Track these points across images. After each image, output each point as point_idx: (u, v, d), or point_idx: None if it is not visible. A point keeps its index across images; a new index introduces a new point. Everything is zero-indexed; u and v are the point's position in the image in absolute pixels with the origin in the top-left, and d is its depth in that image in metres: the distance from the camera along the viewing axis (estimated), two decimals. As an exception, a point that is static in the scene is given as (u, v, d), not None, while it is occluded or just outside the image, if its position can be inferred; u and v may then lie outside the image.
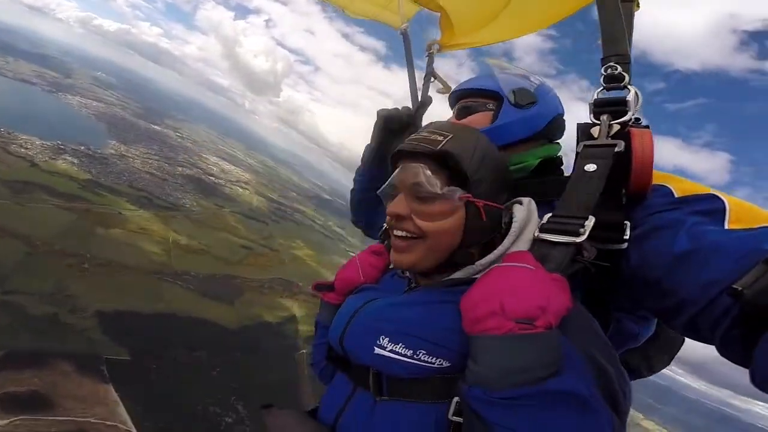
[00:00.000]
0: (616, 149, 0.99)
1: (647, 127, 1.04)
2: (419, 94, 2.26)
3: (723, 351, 0.75)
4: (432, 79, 2.28)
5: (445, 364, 0.85)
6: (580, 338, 0.77)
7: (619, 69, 1.10)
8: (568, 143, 1.36)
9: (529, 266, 0.80)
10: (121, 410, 35.02)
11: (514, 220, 1.01)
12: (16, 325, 36.81)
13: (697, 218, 0.88)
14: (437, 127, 1.07)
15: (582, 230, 0.89)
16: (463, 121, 1.45)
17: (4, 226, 46.56)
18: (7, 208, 50.65)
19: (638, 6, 1.39)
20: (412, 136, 1.07)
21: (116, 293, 47.31)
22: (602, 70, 1.12)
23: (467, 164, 0.98)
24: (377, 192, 1.13)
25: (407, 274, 1.15)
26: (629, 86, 1.09)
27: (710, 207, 0.89)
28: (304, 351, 56.99)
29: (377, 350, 0.92)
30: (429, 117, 2.05)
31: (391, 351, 0.90)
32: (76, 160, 79.62)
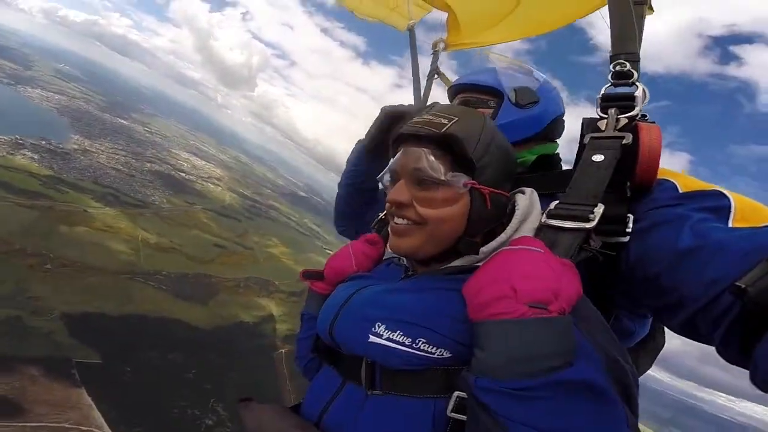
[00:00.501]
0: (624, 141, 0.99)
1: (654, 122, 1.05)
2: (422, 90, 2.30)
3: (722, 351, 0.75)
4: (436, 76, 2.32)
5: (446, 354, 0.81)
6: (589, 328, 0.74)
7: (628, 66, 1.11)
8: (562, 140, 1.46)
9: (537, 249, 0.77)
10: (96, 414, 34.45)
11: (516, 207, 1.00)
12: (-26, 329, 35.21)
13: (702, 215, 0.86)
14: (442, 109, 1.04)
15: (592, 216, 0.88)
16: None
17: (-43, 225, 44.17)
18: (-40, 205, 48.47)
19: (652, 10, 1.43)
20: (415, 118, 1.04)
21: (83, 294, 46.25)
22: (611, 67, 1.13)
23: (473, 149, 0.95)
24: (377, 177, 1.10)
25: (404, 262, 1.11)
26: (638, 83, 1.09)
27: (716, 204, 0.88)
28: (283, 350, 57.10)
29: (372, 338, 0.88)
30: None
31: (387, 339, 0.85)
32: (36, 156, 76.85)
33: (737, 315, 0.69)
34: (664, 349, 1.43)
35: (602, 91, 1.12)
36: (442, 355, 0.81)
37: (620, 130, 1.03)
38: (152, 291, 55.75)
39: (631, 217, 0.95)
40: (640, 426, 0.68)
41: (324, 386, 1.02)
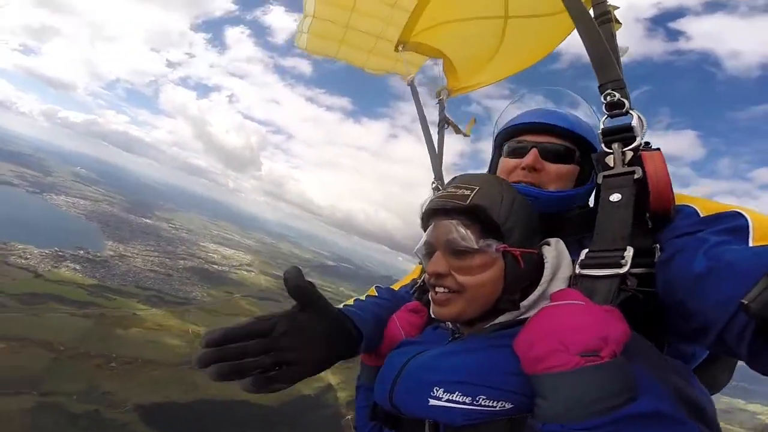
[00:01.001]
0: (635, 176, 1.08)
1: (658, 149, 1.13)
2: (435, 141, 2.45)
3: (752, 363, 0.80)
4: (446, 125, 2.50)
5: (508, 405, 0.89)
6: (647, 361, 0.80)
7: (618, 96, 1.21)
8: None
9: (578, 302, 0.85)
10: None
11: (545, 261, 1.11)
12: (62, 423, 40.59)
13: (720, 237, 0.93)
14: (462, 180, 1.17)
15: (623, 261, 0.97)
16: (552, 167, 1.38)
17: (24, 336, 51.05)
18: (22, 319, 55.36)
19: (619, 24, 1.63)
20: (439, 193, 1.17)
21: (150, 386, 51.07)
22: (602, 98, 1.24)
23: (497, 214, 1.07)
24: (414, 251, 1.22)
25: (449, 325, 1.22)
26: (631, 111, 1.19)
27: (733, 225, 0.95)
28: (349, 417, 59.08)
29: (432, 402, 0.96)
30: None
31: (447, 401, 0.94)
32: (78, 266, 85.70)
33: (755, 328, 0.74)
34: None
35: (601, 126, 1.22)
36: (504, 407, 0.89)
37: (628, 163, 1.12)
38: None
39: (658, 246, 1.04)
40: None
41: None
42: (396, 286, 1.74)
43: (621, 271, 0.97)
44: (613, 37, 1.36)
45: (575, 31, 1.79)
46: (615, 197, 1.08)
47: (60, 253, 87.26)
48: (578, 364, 0.74)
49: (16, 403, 40.11)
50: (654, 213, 1.07)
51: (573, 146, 1.40)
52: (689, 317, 0.92)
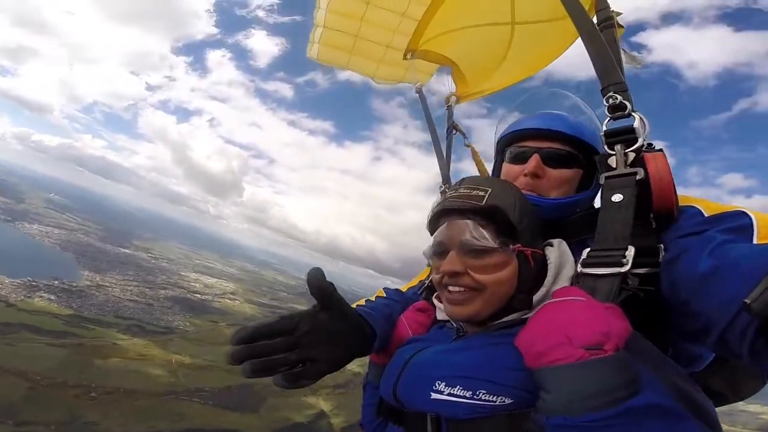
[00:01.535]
0: (637, 177, 1.11)
1: (660, 150, 1.17)
2: (443, 147, 2.55)
3: (752, 363, 0.82)
4: (454, 131, 2.61)
5: (508, 401, 0.94)
6: (647, 358, 0.83)
7: (620, 98, 1.24)
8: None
9: (580, 298, 0.88)
10: None
11: (548, 261, 1.17)
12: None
13: (725, 236, 0.96)
14: (472, 182, 1.23)
15: (624, 260, 1.01)
16: (553, 173, 1.43)
17: (-1, 366, 48.95)
18: (-4, 349, 52.83)
19: (623, 29, 1.67)
20: (450, 194, 1.22)
21: (135, 416, 49.76)
22: (604, 101, 1.27)
23: (513, 216, 1.14)
24: (423, 252, 1.27)
25: (454, 324, 1.28)
26: (633, 113, 1.22)
27: (737, 224, 0.98)
28: None
29: (434, 395, 1.02)
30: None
31: (449, 395, 0.99)
32: (53, 296, 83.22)
33: (757, 327, 0.76)
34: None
35: (604, 128, 1.26)
36: (504, 402, 0.94)
37: (630, 164, 1.16)
38: (200, 406, 58.47)
39: (662, 246, 1.07)
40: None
41: None
42: (404, 288, 1.83)
43: (622, 270, 1.00)
44: (615, 41, 1.44)
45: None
46: (617, 198, 1.12)
47: (33, 283, 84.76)
48: (582, 357, 0.76)
49: (-9, 433, 38.59)
50: (657, 213, 1.11)
51: (575, 150, 1.45)
52: (693, 317, 0.94)
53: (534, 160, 1.42)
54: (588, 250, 1.11)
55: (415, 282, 1.84)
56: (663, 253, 1.06)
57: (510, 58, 2.66)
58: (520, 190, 1.28)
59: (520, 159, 1.48)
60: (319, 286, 1.12)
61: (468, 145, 2.59)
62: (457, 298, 1.14)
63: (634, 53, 1.80)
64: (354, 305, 1.47)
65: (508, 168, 1.53)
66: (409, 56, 2.76)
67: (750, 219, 0.97)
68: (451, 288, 1.15)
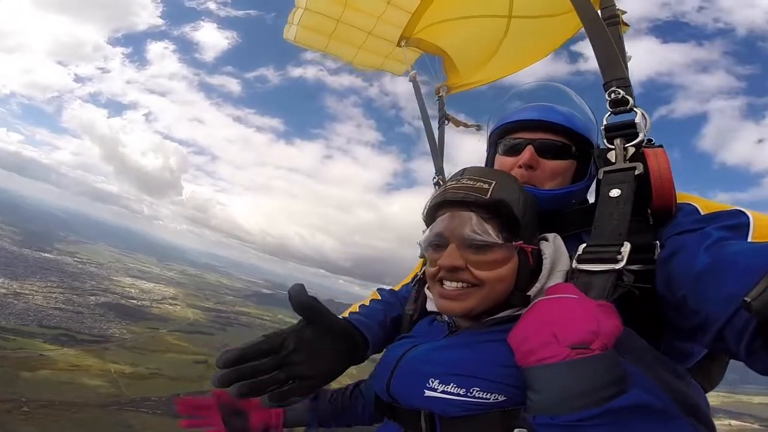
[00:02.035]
0: (636, 172, 1.11)
1: (661, 146, 1.18)
2: (436, 136, 2.57)
3: (749, 362, 0.82)
4: (446, 121, 2.63)
5: (501, 398, 0.95)
6: (638, 356, 0.85)
7: (622, 93, 1.24)
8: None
9: (572, 296, 0.89)
10: None
11: (544, 257, 1.16)
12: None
13: (721, 234, 0.97)
14: (477, 173, 1.19)
15: (620, 257, 1.01)
16: (548, 164, 1.43)
17: None
18: None
19: (627, 26, 1.67)
20: (452, 184, 1.18)
21: (78, 429, 47.11)
22: (606, 96, 1.27)
23: (517, 211, 1.11)
24: (417, 242, 1.24)
25: (446, 318, 1.27)
26: (635, 108, 1.22)
27: (734, 222, 0.99)
28: None
29: (428, 393, 1.03)
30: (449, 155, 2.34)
31: (442, 392, 1.01)
32: None
33: (756, 326, 0.76)
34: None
35: (604, 122, 1.26)
36: (497, 399, 0.95)
37: (630, 159, 1.17)
38: (148, 417, 56.07)
39: (658, 243, 1.07)
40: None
41: None
42: (397, 287, 1.83)
43: (617, 267, 1.00)
44: (620, 38, 1.46)
45: (576, 33, 2.07)
46: (614, 192, 1.12)
47: (-65, 294, 76.90)
48: (568, 356, 0.77)
49: None
50: (655, 209, 1.12)
51: (569, 142, 1.45)
52: (689, 314, 0.94)
53: (528, 152, 1.42)
54: (584, 245, 1.11)
55: (408, 279, 1.82)
56: (659, 250, 1.07)
57: (503, 51, 2.71)
58: (520, 184, 1.28)
59: (514, 151, 1.48)
60: (301, 301, 1.11)
61: (460, 125, 2.67)
62: (451, 293, 1.12)
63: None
64: (347, 312, 1.52)
65: (501, 160, 1.53)
66: (402, 43, 2.80)
67: (747, 217, 0.99)
68: (446, 283, 1.13)
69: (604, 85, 1.29)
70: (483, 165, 1.68)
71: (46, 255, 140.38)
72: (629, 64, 1.45)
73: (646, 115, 1.22)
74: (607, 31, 1.36)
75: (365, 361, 1.38)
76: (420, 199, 1.38)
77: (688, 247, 0.99)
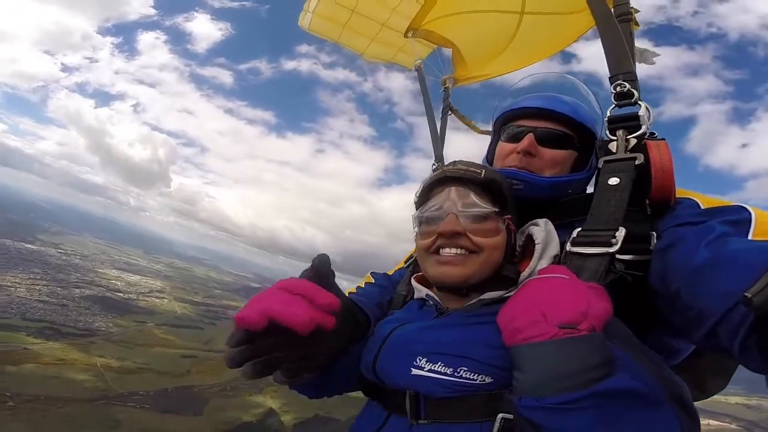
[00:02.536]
0: (637, 162, 1.14)
1: (663, 139, 1.20)
2: (438, 127, 2.64)
3: (742, 359, 0.83)
4: (449, 112, 2.70)
5: (488, 380, 0.95)
6: (625, 342, 0.85)
7: (628, 86, 1.27)
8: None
9: (563, 276, 0.90)
10: None
11: (535, 240, 1.19)
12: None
13: (722, 228, 0.96)
14: (465, 163, 1.27)
15: (614, 240, 1.02)
16: (547, 153, 1.45)
17: None
18: None
19: (638, 25, 1.67)
20: (449, 166, 1.26)
21: (64, 425, 47.12)
22: (611, 89, 1.30)
23: (505, 191, 1.21)
24: (416, 214, 1.26)
25: (431, 302, 1.27)
26: (639, 102, 1.25)
27: (736, 217, 0.99)
28: None
29: (414, 371, 1.03)
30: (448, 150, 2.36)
31: (429, 371, 1.00)
32: None
33: (752, 323, 0.76)
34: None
35: (608, 114, 1.29)
36: (484, 381, 0.95)
37: (631, 150, 1.19)
38: (136, 411, 56.16)
39: (654, 234, 1.09)
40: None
41: (368, 420, 1.19)
42: (391, 272, 1.83)
43: (611, 250, 1.02)
44: (630, 35, 1.47)
45: (587, 32, 2.06)
46: (613, 181, 1.15)
47: None
48: (556, 335, 0.77)
49: None
50: (654, 200, 1.15)
51: (571, 132, 1.47)
52: (683, 308, 0.95)
53: (528, 139, 1.44)
54: (579, 229, 1.14)
55: (402, 263, 1.84)
56: (655, 241, 1.09)
57: (513, 46, 2.72)
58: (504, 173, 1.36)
59: (515, 138, 1.51)
60: (320, 273, 1.09)
61: (469, 124, 2.72)
62: (450, 259, 1.13)
63: (647, 48, 1.88)
64: (347, 292, 1.50)
65: (502, 146, 1.57)
66: (410, 34, 2.78)
67: (749, 214, 0.99)
68: (449, 250, 1.14)
69: (610, 78, 1.33)
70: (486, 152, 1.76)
71: (28, 246, 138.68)
72: (668, 69, 1.71)
73: (649, 109, 1.25)
74: (618, 26, 1.40)
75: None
76: (411, 195, 1.42)
77: (688, 239, 0.99)
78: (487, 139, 1.80)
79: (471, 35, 2.81)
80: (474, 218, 1.13)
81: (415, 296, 1.35)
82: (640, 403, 0.73)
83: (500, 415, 0.89)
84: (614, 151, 1.22)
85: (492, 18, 2.66)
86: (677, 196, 1.16)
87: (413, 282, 1.37)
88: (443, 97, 2.81)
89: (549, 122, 1.46)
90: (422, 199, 1.27)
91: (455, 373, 0.97)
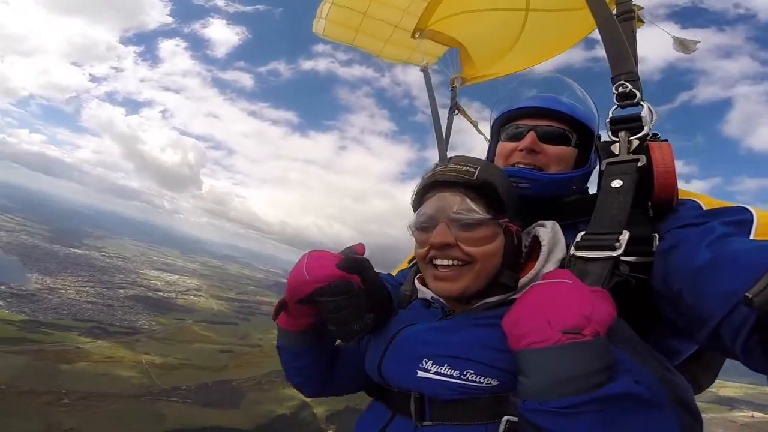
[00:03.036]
0: (639, 164, 1.13)
1: (666, 140, 1.18)
2: (443, 127, 2.62)
3: (745, 359, 0.82)
4: (456, 112, 2.68)
5: (494, 383, 0.96)
6: (629, 345, 0.85)
7: (630, 87, 1.25)
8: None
9: (567, 281, 0.89)
10: None
11: (542, 243, 1.16)
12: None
13: (725, 229, 0.96)
14: (460, 160, 1.22)
15: (618, 244, 1.01)
16: (551, 149, 1.45)
17: (-49, 377, 48.25)
18: (-57, 361, 51.86)
19: (642, 22, 1.66)
20: (439, 168, 1.21)
21: (115, 421, 50.01)
22: (613, 89, 1.28)
23: (501, 191, 1.15)
24: (407, 225, 1.23)
25: (436, 304, 1.27)
26: (642, 102, 1.24)
27: (738, 218, 0.99)
28: (331, 431, 61.08)
29: (420, 373, 1.03)
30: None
31: (436, 373, 1.01)
32: (1, 302, 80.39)
33: (754, 323, 0.76)
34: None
35: (610, 114, 1.27)
36: (490, 383, 0.96)
37: (634, 152, 1.18)
38: (179, 406, 59.08)
39: (657, 236, 1.08)
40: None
41: (373, 419, 1.20)
42: (395, 272, 1.83)
43: (614, 254, 1.02)
44: (633, 33, 1.46)
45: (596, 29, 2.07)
46: (616, 183, 1.14)
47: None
48: (559, 341, 0.77)
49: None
50: (656, 202, 1.14)
51: (570, 130, 1.47)
52: (686, 309, 0.94)
53: (530, 137, 1.45)
54: (582, 233, 1.13)
55: (405, 264, 1.85)
56: (657, 243, 1.08)
57: (520, 44, 2.73)
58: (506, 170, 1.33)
59: (516, 137, 1.51)
60: (347, 265, 1.17)
61: (466, 117, 2.79)
62: (445, 275, 1.13)
63: (685, 38, 1.85)
64: None
65: (502, 145, 1.55)
66: (417, 35, 2.80)
67: (751, 215, 0.99)
68: (438, 262, 1.14)
69: (612, 78, 1.32)
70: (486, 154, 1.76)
71: (75, 250, 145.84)
72: (698, 52, 1.57)
73: (652, 110, 1.24)
74: (618, 26, 1.40)
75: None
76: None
77: (690, 240, 0.99)
78: None
79: (477, 33, 2.87)
80: (466, 226, 1.11)
81: (419, 296, 1.38)
82: (641, 407, 0.73)
83: (505, 418, 0.90)
84: (617, 152, 1.22)
85: (497, 16, 2.72)
86: (679, 197, 1.17)
87: (417, 283, 1.40)
88: (451, 96, 2.87)
89: (549, 120, 1.48)
90: (416, 204, 1.26)
91: (462, 376, 0.98)
